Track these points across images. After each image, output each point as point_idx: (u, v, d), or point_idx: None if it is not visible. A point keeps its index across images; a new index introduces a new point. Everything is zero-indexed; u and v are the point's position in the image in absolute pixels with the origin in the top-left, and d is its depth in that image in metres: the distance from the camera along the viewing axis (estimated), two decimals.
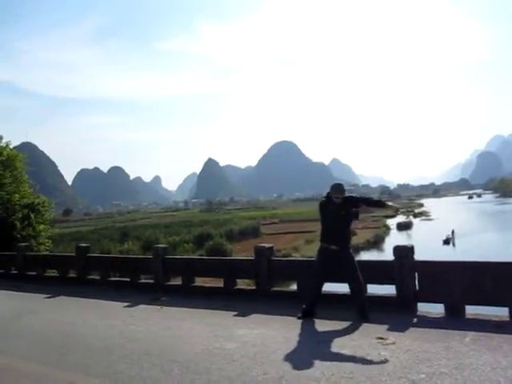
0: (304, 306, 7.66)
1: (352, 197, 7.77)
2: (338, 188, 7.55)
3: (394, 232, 78.36)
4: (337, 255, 7.48)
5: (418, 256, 7.67)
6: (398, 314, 7.19)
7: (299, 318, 7.49)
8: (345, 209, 7.50)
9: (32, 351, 6.95)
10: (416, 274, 7.46)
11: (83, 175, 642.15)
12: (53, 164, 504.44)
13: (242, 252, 46.38)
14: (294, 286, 9.13)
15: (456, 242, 59.45)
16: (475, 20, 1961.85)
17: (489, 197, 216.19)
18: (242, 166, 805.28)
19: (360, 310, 7.28)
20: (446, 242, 59.76)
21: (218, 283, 10.33)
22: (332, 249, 7.48)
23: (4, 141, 24.53)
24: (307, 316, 7.51)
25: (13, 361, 6.50)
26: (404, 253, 7.55)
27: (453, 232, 62.25)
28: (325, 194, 7.77)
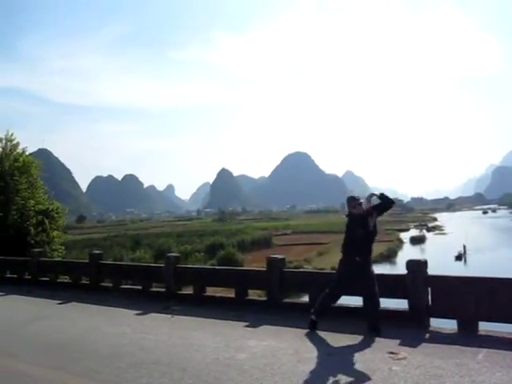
0: (312, 318, 7.58)
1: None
2: (352, 198, 7.67)
3: (407, 246, 77.90)
4: (359, 267, 7.44)
5: (429, 271, 7.60)
6: (410, 328, 7.13)
7: (310, 330, 7.45)
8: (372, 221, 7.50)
9: (43, 356, 6.99)
10: (429, 289, 7.40)
11: (97, 182, 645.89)
12: (67, 171, 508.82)
13: (253, 262, 46.34)
14: (306, 298, 9.10)
15: (468, 258, 58.79)
16: (490, 33, 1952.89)
17: (504, 212, 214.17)
18: (256, 176, 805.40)
19: (372, 324, 7.23)
20: (459, 257, 59.32)
21: (230, 293, 10.33)
22: (356, 260, 7.43)
23: (20, 147, 24.85)
24: (314, 326, 7.48)
25: (24, 366, 6.54)
26: (417, 267, 7.49)
27: (464, 248, 61.57)
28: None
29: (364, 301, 7.52)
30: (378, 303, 7.38)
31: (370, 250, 7.58)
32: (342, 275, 7.58)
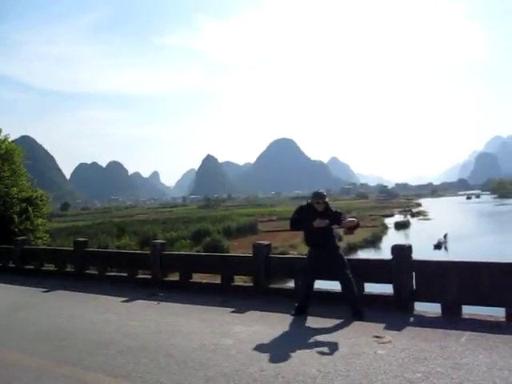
0: (296, 304, 7.73)
1: (336, 212, 7.74)
2: (319, 194, 7.68)
3: (391, 231, 78.35)
4: (325, 255, 7.58)
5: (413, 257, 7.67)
6: (394, 312, 7.21)
7: (292, 315, 7.54)
8: (325, 215, 7.57)
9: (29, 345, 6.95)
10: (413, 274, 7.47)
11: (81, 170, 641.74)
12: (51, 158, 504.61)
13: (239, 249, 46.36)
14: (291, 284, 9.14)
15: (450, 246, 55.60)
16: (475, 21, 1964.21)
17: (487, 197, 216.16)
18: (241, 162, 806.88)
19: (353, 308, 7.31)
20: (438, 246, 54.99)
21: (216, 279, 10.35)
22: (320, 250, 7.61)
23: (3, 134, 24.52)
24: (300, 313, 7.57)
25: (10, 354, 6.51)
26: (402, 252, 7.55)
27: (445, 236, 58.57)
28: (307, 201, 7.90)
29: (341, 286, 7.62)
30: (352, 287, 7.46)
31: (331, 235, 7.72)
32: (309, 264, 7.76)
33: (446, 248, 55.59)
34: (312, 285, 7.85)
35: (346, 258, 7.80)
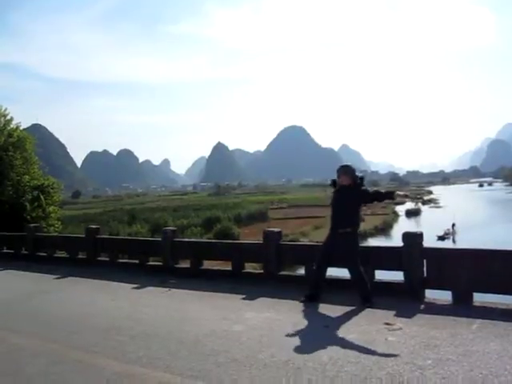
0: (307, 291, 7.72)
1: (367, 191, 7.71)
2: (341, 169, 7.64)
3: (402, 219, 78.05)
4: (339, 239, 7.50)
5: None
6: (405, 300, 7.18)
7: (302, 302, 7.54)
8: (353, 193, 7.51)
9: (42, 331, 7.02)
10: (424, 261, 7.45)
11: (92, 158, 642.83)
12: (62, 146, 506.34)
13: (249, 236, 46.48)
14: (302, 271, 9.14)
15: (458, 236, 53.97)
16: (485, 7, 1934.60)
17: (499, 185, 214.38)
18: (251, 150, 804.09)
19: (362, 295, 7.30)
20: (442, 238, 52.34)
21: (226, 266, 10.37)
22: (338, 232, 7.51)
23: (14, 122, 24.65)
24: (311, 300, 7.56)
25: (24, 339, 6.58)
26: (413, 239, 7.52)
27: (453, 226, 56.85)
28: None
29: (349, 273, 7.60)
30: (359, 274, 7.40)
31: (355, 219, 7.64)
32: (324, 247, 7.75)
33: (453, 239, 54.22)
34: (324, 271, 7.82)
35: (359, 244, 7.76)
